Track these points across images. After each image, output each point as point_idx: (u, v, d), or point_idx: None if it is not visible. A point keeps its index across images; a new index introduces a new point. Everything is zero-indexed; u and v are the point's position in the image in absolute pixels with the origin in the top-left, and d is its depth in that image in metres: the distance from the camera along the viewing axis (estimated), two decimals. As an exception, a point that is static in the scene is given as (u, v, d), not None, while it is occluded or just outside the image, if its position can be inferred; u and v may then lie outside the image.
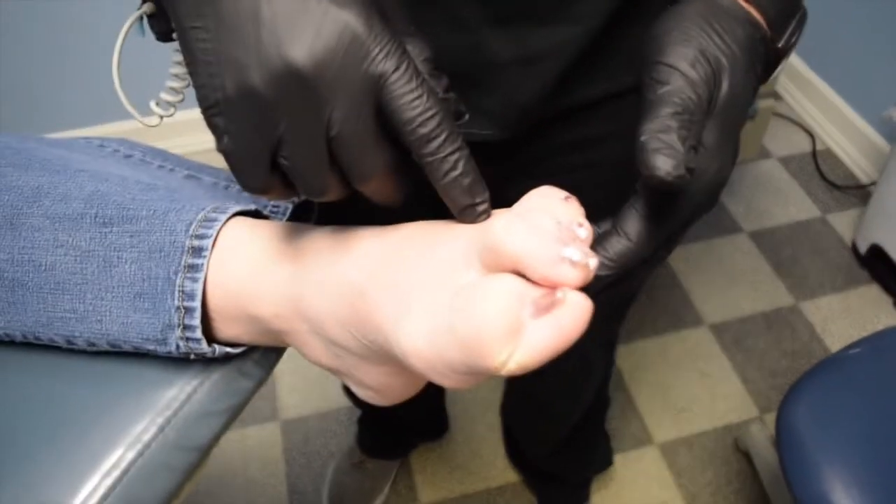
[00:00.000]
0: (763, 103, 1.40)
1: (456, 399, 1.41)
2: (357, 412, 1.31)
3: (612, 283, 0.33)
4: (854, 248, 1.64)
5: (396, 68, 0.30)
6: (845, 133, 1.83)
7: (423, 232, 0.35)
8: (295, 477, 1.32)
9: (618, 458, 1.32)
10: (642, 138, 0.31)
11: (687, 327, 1.54)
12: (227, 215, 0.41)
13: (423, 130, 0.31)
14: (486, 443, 1.36)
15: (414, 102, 0.30)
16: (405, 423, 1.24)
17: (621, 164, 0.46)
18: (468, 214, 0.33)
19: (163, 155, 0.53)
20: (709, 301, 1.58)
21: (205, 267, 0.40)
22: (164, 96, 0.65)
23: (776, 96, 1.99)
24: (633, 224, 0.32)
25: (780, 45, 0.38)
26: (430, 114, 0.31)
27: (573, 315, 0.27)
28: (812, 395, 0.83)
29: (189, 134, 1.79)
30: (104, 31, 1.15)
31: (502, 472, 1.32)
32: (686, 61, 0.33)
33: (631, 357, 1.49)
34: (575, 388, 0.95)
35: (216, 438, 0.44)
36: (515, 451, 1.28)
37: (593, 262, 0.28)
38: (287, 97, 0.30)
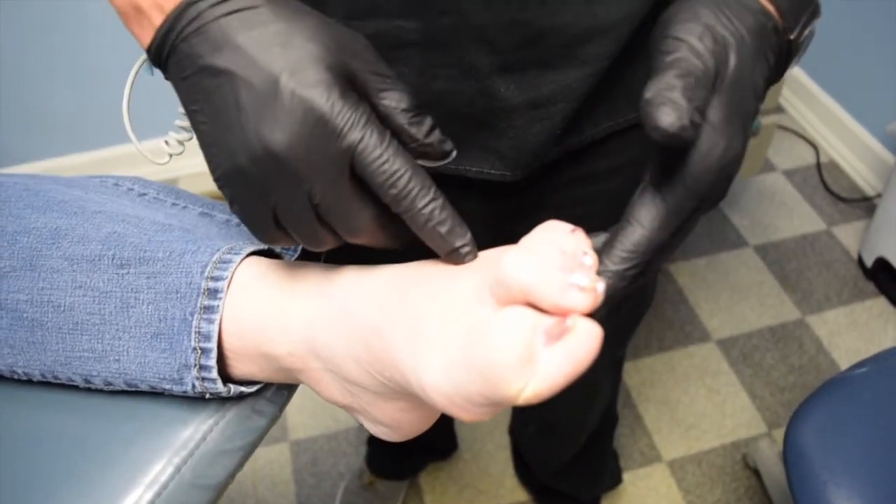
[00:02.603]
0: (767, 119, 1.41)
1: (464, 417, 1.42)
2: (366, 433, 1.32)
3: (637, 277, 0.33)
4: (860, 261, 1.64)
5: (362, 138, 0.33)
6: (850, 145, 1.84)
7: (433, 271, 0.36)
8: (305, 497, 1.33)
9: (626, 476, 1.32)
10: (647, 95, 0.31)
11: (694, 343, 1.54)
12: (242, 256, 0.42)
13: (394, 191, 0.34)
14: (494, 461, 1.36)
15: (382, 167, 0.33)
16: (414, 442, 1.24)
17: (625, 196, 0.47)
18: (454, 257, 0.36)
19: (176, 192, 0.54)
20: (715, 316, 1.58)
21: (220, 308, 0.41)
22: (174, 135, 0.66)
23: (780, 109, 2.00)
24: (645, 211, 0.33)
25: (792, 37, 0.38)
26: (398, 174, 0.33)
27: (584, 341, 0.28)
28: (819, 414, 0.83)
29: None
30: (119, 54, 1.16)
31: (511, 490, 1.33)
32: (693, 35, 0.34)
33: (638, 374, 1.49)
34: (583, 409, 0.96)
35: (231, 476, 0.45)
36: (524, 470, 1.28)
37: (601, 286, 0.29)
38: (270, 175, 0.33)
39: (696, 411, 1.43)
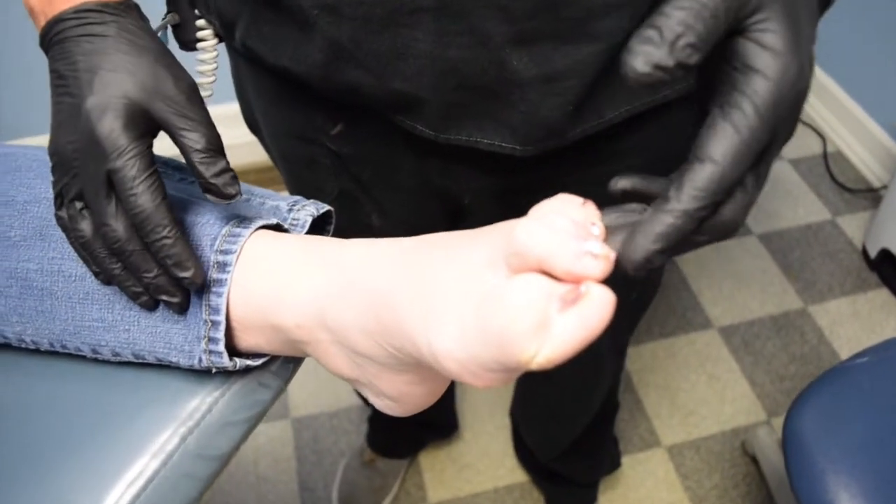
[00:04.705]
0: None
1: (465, 398, 1.42)
2: (367, 411, 1.33)
3: (706, 217, 0.31)
4: (864, 252, 1.64)
5: (120, 167, 0.39)
6: (857, 136, 1.83)
7: (444, 241, 0.36)
8: (305, 474, 1.34)
9: (625, 460, 1.33)
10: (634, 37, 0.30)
11: (695, 330, 1.54)
12: (251, 230, 0.42)
13: (134, 219, 0.40)
14: (495, 442, 1.37)
15: (129, 196, 0.39)
16: (415, 420, 1.25)
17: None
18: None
19: (181, 167, 0.54)
20: (718, 303, 1.58)
21: (228, 282, 0.41)
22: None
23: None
24: (715, 146, 0.30)
25: None
26: (139, 207, 0.39)
27: (598, 307, 0.27)
28: (819, 403, 0.83)
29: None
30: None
31: (511, 471, 1.34)
32: None
33: (639, 359, 1.50)
34: (585, 393, 0.96)
35: (236, 448, 0.45)
36: (524, 452, 1.29)
37: (612, 254, 0.29)
38: (60, 168, 0.42)
39: (696, 397, 1.43)
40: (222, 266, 0.41)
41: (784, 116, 0.31)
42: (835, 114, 1.89)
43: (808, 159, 1.86)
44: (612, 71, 0.50)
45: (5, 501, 0.41)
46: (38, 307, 0.44)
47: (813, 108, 1.95)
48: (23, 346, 0.46)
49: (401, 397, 0.40)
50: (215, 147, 0.41)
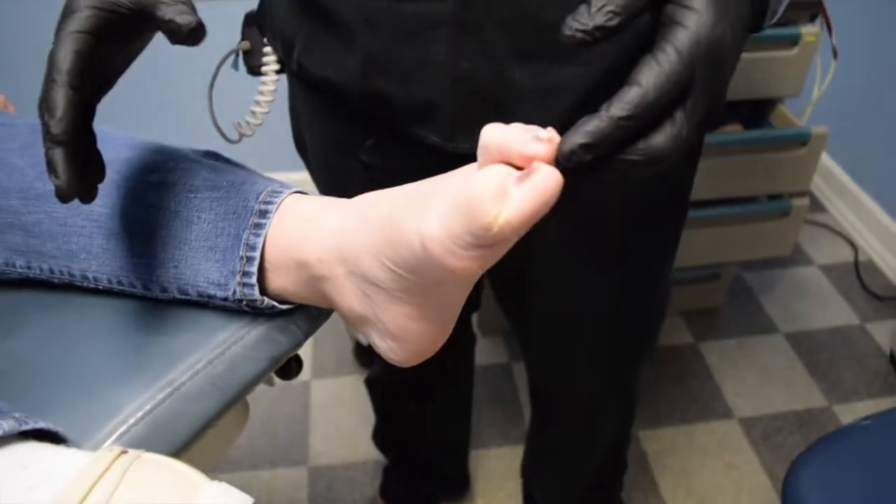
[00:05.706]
0: (797, 202, 1.47)
1: (479, 464, 1.44)
2: (383, 463, 1.35)
3: (631, 131, 0.38)
4: (892, 358, 1.63)
5: None
6: (888, 246, 1.86)
7: (445, 175, 0.43)
8: (316, 520, 1.36)
9: (636, 539, 1.32)
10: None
11: (716, 419, 1.54)
12: (291, 190, 0.50)
13: None
14: (505, 508, 1.38)
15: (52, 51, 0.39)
16: (429, 473, 1.27)
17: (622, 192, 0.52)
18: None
19: (244, 166, 0.63)
20: (740, 395, 1.59)
21: (267, 226, 0.48)
22: (247, 118, 0.76)
23: (813, 199, 2.04)
24: (642, 73, 0.38)
25: None
26: None
27: (546, 178, 0.34)
28: (819, 464, 0.84)
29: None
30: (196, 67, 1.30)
31: (519, 539, 1.33)
32: None
33: (657, 441, 1.50)
34: (588, 433, 0.99)
35: (254, 381, 0.51)
36: (533, 515, 1.29)
37: (557, 137, 0.36)
38: None
39: (712, 485, 1.42)
40: (264, 213, 0.49)
41: (700, 58, 0.39)
42: (867, 224, 1.93)
43: (840, 266, 1.89)
44: (601, 92, 0.58)
45: (66, 392, 0.47)
46: (105, 245, 0.52)
47: (846, 218, 2.00)
48: (85, 283, 0.54)
49: (403, 334, 0.46)
50: None
